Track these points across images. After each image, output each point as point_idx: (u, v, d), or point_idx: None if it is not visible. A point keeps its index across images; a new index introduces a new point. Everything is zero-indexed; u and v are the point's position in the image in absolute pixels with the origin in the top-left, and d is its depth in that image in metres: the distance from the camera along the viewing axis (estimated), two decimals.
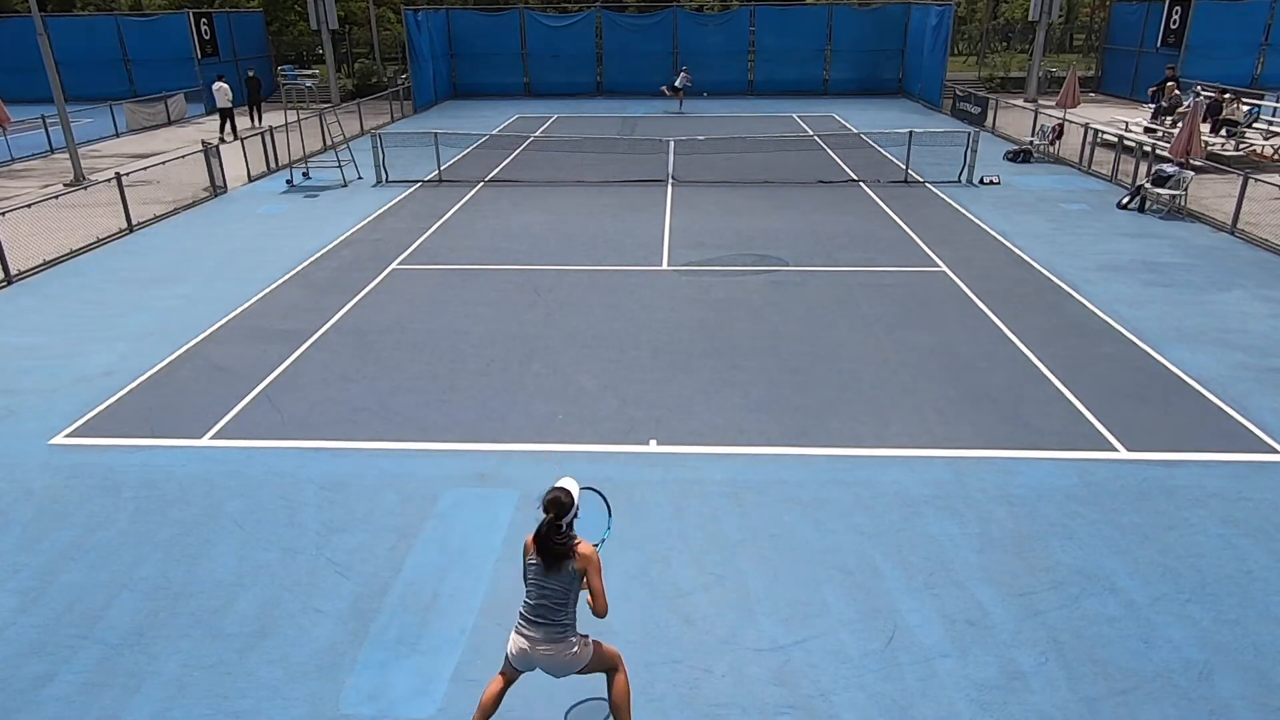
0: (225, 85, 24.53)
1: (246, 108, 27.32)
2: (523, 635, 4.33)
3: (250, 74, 27.38)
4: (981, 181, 17.99)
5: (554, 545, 4.19)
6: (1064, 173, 19.13)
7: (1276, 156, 19.05)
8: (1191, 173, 15.12)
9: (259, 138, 19.74)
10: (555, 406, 8.28)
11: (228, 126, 24.96)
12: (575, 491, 4.27)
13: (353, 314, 10.83)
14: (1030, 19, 30.84)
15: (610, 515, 4.60)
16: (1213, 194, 15.76)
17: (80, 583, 5.85)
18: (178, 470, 7.21)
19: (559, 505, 4.19)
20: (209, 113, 30.43)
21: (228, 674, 5.05)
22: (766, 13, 34.56)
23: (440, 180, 18.82)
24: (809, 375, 8.89)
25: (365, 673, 5.06)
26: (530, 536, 4.32)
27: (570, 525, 4.25)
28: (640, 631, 5.36)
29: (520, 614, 4.36)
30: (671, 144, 19.60)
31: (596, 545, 4.39)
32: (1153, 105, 22.34)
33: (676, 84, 30.39)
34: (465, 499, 6.77)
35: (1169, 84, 21.64)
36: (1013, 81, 35.52)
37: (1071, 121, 20.52)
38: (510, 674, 4.50)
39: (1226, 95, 20.89)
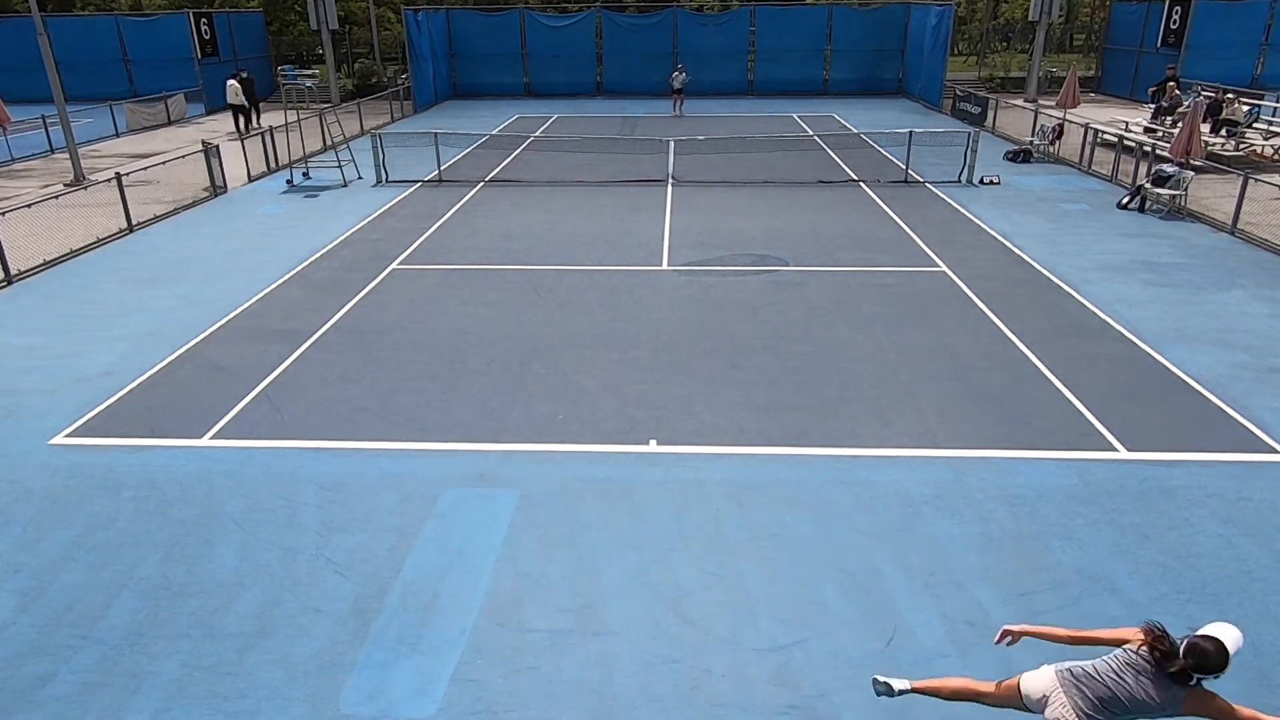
0: (236, 83, 24.87)
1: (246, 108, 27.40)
2: (1072, 704, 3.76)
3: (244, 74, 27.36)
4: (981, 181, 17.99)
5: (1172, 670, 3.58)
6: (1064, 173, 19.13)
7: (1276, 156, 19.05)
8: (1191, 173, 15.12)
9: (259, 138, 19.75)
10: (555, 406, 8.27)
11: (241, 122, 25.15)
12: (1232, 651, 3.53)
13: (353, 314, 10.83)
14: (1030, 19, 30.83)
15: None
16: (1213, 194, 15.75)
17: (80, 583, 5.85)
18: (178, 470, 7.21)
19: (1202, 657, 3.52)
20: (209, 112, 30.51)
21: (228, 674, 5.05)
22: (766, 13, 34.55)
23: (440, 180, 18.82)
24: (809, 375, 8.89)
25: (365, 673, 5.06)
26: (1148, 632, 3.71)
27: (1199, 683, 3.62)
28: (640, 631, 5.36)
29: (1076, 682, 3.80)
30: (671, 144, 19.60)
31: None
32: (1153, 105, 22.34)
33: (675, 85, 29.90)
34: (465, 499, 6.77)
35: (1169, 84, 21.64)
36: (1013, 81, 35.51)
37: (1071, 121, 20.52)
38: (1005, 698, 4.05)
39: (1228, 95, 20.88)
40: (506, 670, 5.06)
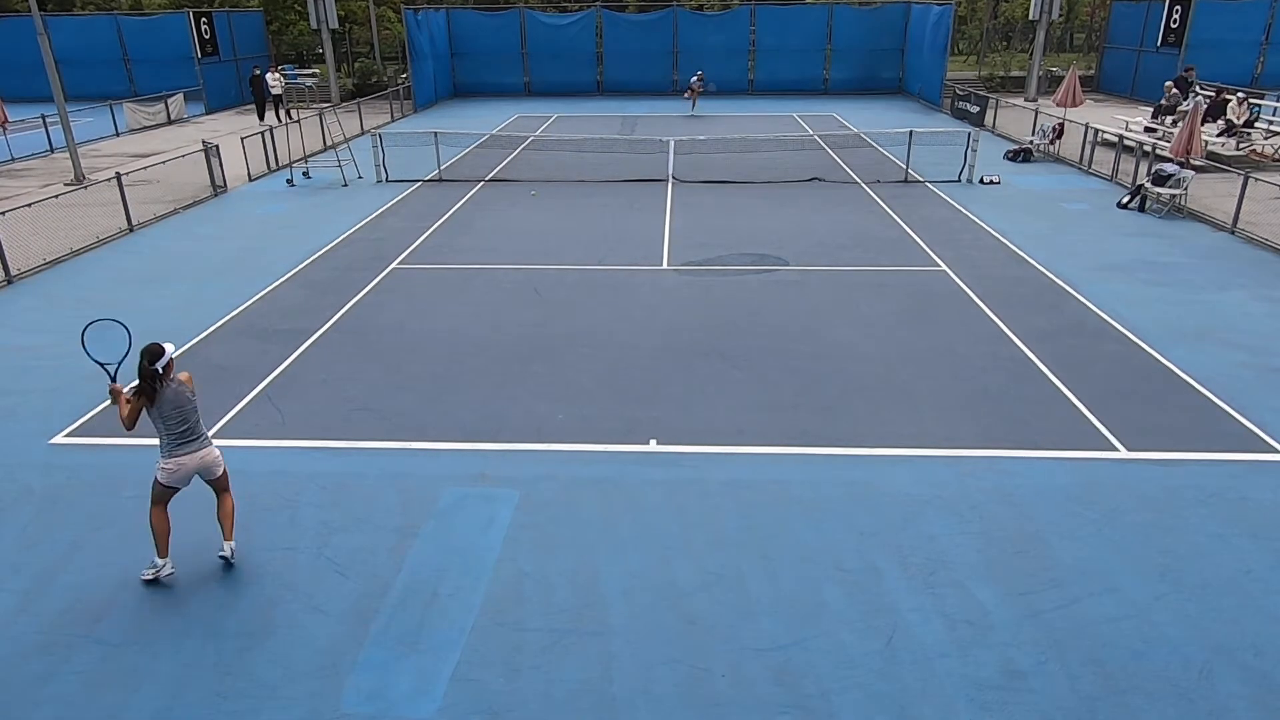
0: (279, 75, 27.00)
1: (255, 107, 27.52)
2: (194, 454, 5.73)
3: (256, 71, 27.48)
4: (981, 181, 17.99)
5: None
6: (1064, 172, 19.13)
7: (1277, 156, 19.05)
8: (1191, 172, 15.12)
9: (259, 137, 19.76)
10: (555, 406, 8.27)
11: (269, 114, 25.60)
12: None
13: (353, 314, 10.83)
14: (1030, 18, 30.84)
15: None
16: (1213, 194, 15.75)
17: (80, 583, 5.85)
18: None
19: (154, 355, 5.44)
20: (209, 112, 30.54)
21: (228, 674, 5.05)
22: (767, 12, 34.54)
23: (440, 179, 18.82)
24: (809, 375, 8.89)
25: (365, 673, 5.06)
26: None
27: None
28: (640, 631, 5.36)
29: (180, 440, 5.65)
30: (671, 144, 19.59)
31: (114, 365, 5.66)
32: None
33: (694, 84, 29.51)
34: (465, 499, 6.78)
35: (1168, 83, 21.63)
36: (1013, 81, 35.51)
37: (1072, 121, 20.52)
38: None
39: (1238, 95, 20.85)
40: (506, 670, 5.06)
